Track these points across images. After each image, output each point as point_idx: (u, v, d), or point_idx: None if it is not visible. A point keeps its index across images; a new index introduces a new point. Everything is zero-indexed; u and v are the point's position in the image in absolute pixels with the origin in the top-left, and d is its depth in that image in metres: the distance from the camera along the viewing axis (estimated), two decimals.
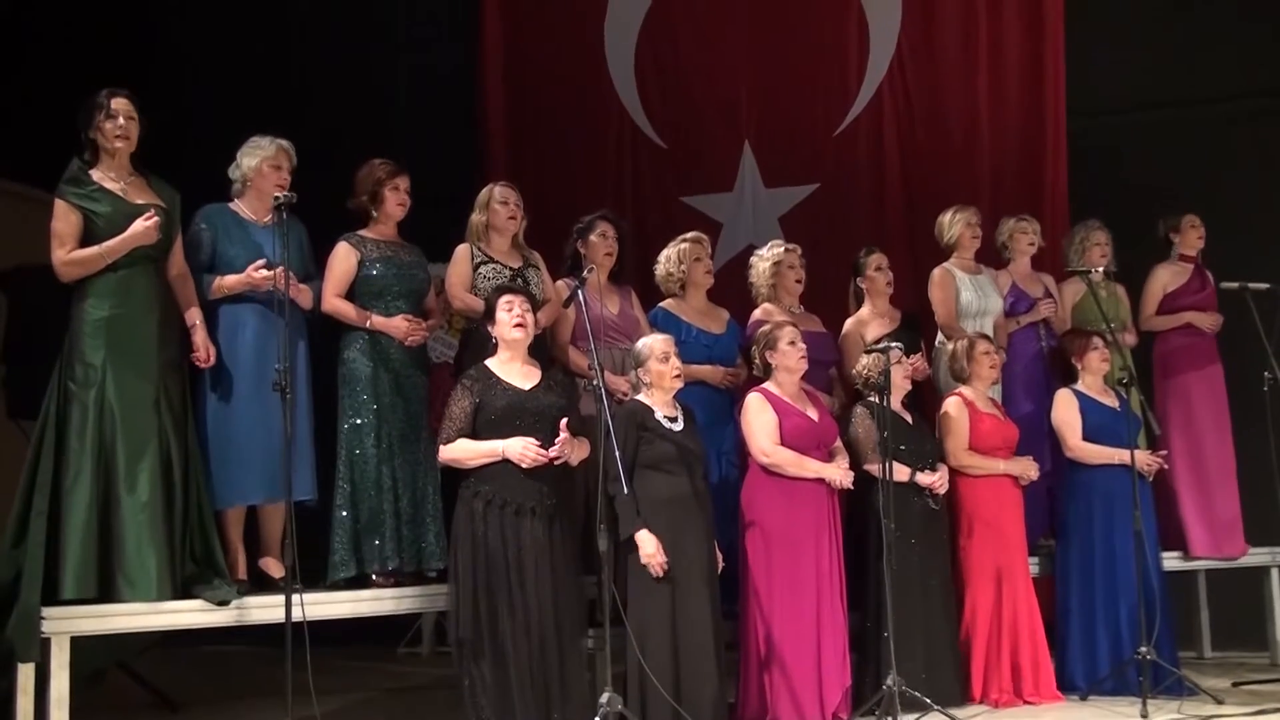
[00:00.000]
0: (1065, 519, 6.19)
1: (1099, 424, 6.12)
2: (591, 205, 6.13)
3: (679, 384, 5.26)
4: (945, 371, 6.40)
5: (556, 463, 4.85)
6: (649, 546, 4.97)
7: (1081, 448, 6.12)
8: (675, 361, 5.21)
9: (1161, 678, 5.68)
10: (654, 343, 5.26)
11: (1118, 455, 5.95)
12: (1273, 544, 6.85)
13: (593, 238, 5.89)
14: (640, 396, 5.24)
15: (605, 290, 5.83)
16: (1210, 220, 7.04)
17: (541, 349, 5.35)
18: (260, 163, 5.27)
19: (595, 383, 4.82)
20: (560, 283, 5.79)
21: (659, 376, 5.19)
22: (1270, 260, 7.14)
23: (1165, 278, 6.95)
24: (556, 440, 4.82)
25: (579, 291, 5.05)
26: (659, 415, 5.17)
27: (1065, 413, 6.18)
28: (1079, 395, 6.22)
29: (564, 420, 4.84)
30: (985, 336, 6.19)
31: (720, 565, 5.24)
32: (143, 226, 4.83)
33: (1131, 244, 7.09)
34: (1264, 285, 6.31)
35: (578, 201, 6.55)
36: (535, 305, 5.19)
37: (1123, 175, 7.79)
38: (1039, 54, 7.71)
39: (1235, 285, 6.32)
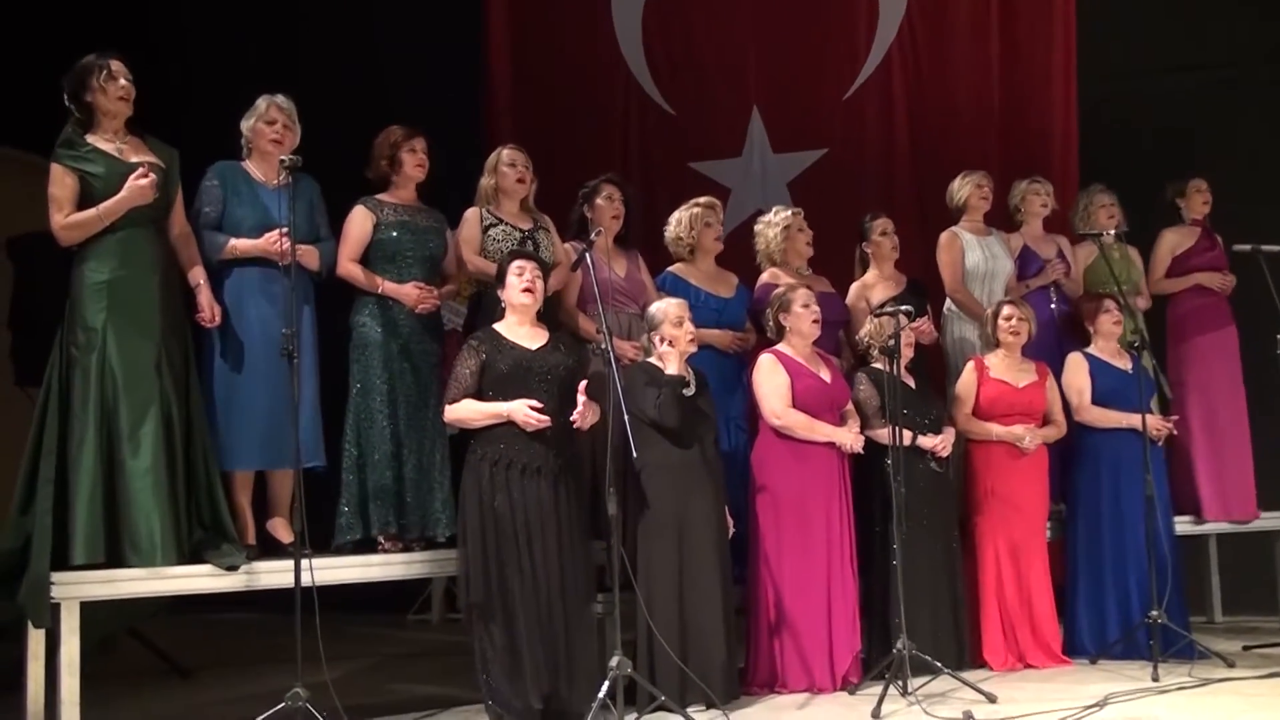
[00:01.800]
0: (1074, 485, 6.17)
1: (1110, 388, 6.10)
2: (599, 173, 6.07)
3: (693, 348, 5.25)
4: (953, 336, 6.42)
5: (579, 426, 4.83)
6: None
7: (1090, 412, 6.09)
8: (689, 326, 5.22)
9: (1172, 641, 5.67)
10: (668, 306, 5.26)
11: (1127, 420, 5.94)
12: None
13: (599, 201, 5.85)
14: (652, 360, 5.23)
15: (612, 254, 5.81)
16: (1224, 183, 6.99)
17: (550, 317, 5.31)
18: (255, 122, 5.21)
19: (604, 346, 4.79)
20: (568, 245, 5.75)
21: (673, 341, 5.18)
22: None
23: (1173, 240, 6.93)
24: (577, 408, 4.80)
25: (586, 254, 5.04)
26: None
27: (1075, 376, 6.16)
28: (1089, 358, 6.19)
29: (582, 383, 4.83)
30: (1011, 302, 6.15)
31: (731, 530, 5.24)
32: (137, 184, 4.79)
33: (1145, 207, 7.06)
34: (1277, 248, 6.19)
35: (585, 169, 6.39)
36: (546, 271, 5.17)
37: (1135, 138, 7.78)
38: (1050, 15, 7.66)
39: (1248, 248, 6.18)
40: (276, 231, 4.98)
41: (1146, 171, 7.20)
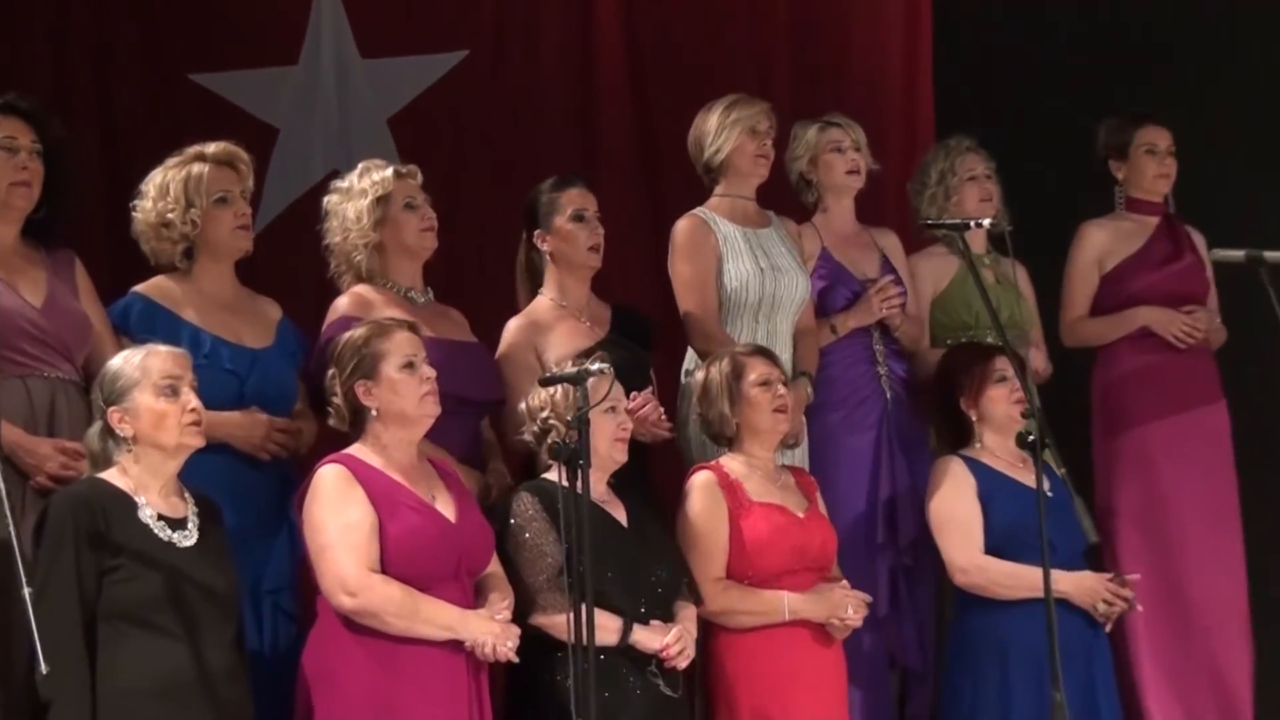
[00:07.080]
0: (945, 697, 6.41)
1: (1016, 522, 6.16)
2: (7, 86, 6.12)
3: (196, 441, 5.21)
4: (698, 423, 6.49)
5: None
6: None
7: (986, 569, 6.21)
8: (191, 397, 5.19)
9: None
10: (145, 358, 5.21)
11: (1049, 579, 5.83)
12: None
13: None
14: (110, 475, 5.12)
15: (14, 256, 5.74)
16: (1205, 138, 7.44)
17: None
18: None
19: None
20: None
21: (156, 425, 5.11)
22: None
23: (1102, 241, 7.21)
24: None
25: None
26: (147, 513, 5.07)
27: (954, 503, 6.25)
28: (977, 469, 6.31)
29: None
30: (763, 352, 6.20)
31: None
32: None
33: (1039, 184, 7.39)
34: None
35: None
36: None
37: (1024, 56, 8.11)
38: None
39: (1240, 255, 6.07)
40: None
41: (1039, 110, 7.68)
